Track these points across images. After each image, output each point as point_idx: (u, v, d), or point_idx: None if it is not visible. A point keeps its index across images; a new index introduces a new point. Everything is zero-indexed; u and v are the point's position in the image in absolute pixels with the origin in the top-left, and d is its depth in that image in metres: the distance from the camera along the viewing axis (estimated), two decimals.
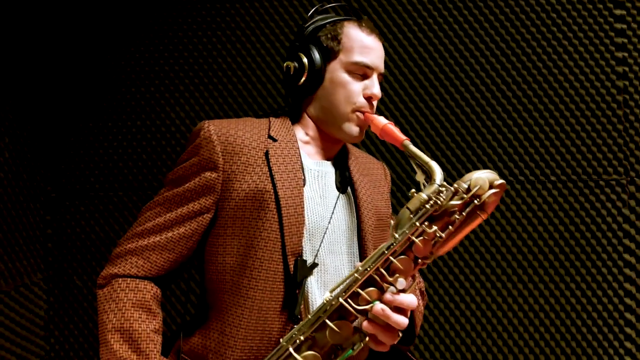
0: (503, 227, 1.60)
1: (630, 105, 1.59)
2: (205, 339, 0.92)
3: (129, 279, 0.90)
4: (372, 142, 1.66)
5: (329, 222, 0.97)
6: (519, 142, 1.61)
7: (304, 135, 1.04)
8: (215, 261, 0.93)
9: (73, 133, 1.67)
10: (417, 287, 1.06)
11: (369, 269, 0.80)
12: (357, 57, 0.98)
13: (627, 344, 1.56)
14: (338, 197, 1.00)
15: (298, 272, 0.89)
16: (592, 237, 1.58)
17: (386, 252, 0.80)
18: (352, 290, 0.79)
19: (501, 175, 1.56)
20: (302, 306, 0.91)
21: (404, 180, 1.64)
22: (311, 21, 1.03)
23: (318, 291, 0.93)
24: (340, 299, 0.79)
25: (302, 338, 0.79)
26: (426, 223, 0.80)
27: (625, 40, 1.59)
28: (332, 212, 0.98)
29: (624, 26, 1.59)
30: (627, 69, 1.59)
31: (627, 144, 1.59)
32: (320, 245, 0.95)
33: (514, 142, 1.61)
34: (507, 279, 1.59)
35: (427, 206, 0.80)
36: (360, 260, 1.00)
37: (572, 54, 1.60)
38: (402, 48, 1.64)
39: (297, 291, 0.89)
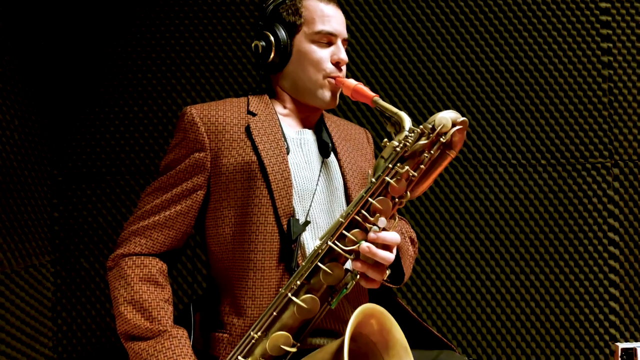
0: (496, 208, 1.68)
1: (614, 92, 1.69)
2: (219, 306, 0.99)
3: (134, 256, 0.98)
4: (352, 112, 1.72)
5: (317, 184, 1.04)
6: (510, 127, 1.69)
7: (282, 108, 1.11)
8: (216, 233, 1.00)
9: (79, 116, 1.70)
10: (404, 232, 1.13)
11: (351, 212, 0.87)
12: (320, 27, 1.04)
13: (612, 317, 1.66)
14: (322, 161, 1.08)
15: (292, 229, 0.96)
16: (580, 217, 1.67)
17: (364, 195, 0.87)
18: (338, 233, 0.86)
19: (493, 158, 1.66)
20: (299, 260, 0.97)
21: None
22: (271, 1, 1.08)
23: (312, 246, 1.00)
24: (329, 242, 0.86)
25: (298, 283, 0.86)
26: (398, 164, 0.86)
27: (610, 32, 1.69)
28: (319, 176, 1.05)
29: (609, 18, 1.69)
30: (611, 58, 1.69)
31: (612, 129, 1.69)
32: (310, 206, 1.02)
33: (506, 127, 1.69)
34: (500, 257, 1.68)
35: (397, 149, 0.87)
36: None
37: (561, 43, 1.69)
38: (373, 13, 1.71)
39: (293, 246, 0.96)
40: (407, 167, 0.86)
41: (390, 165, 0.87)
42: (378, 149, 1.64)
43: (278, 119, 1.06)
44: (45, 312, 1.63)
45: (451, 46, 1.70)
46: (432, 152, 0.86)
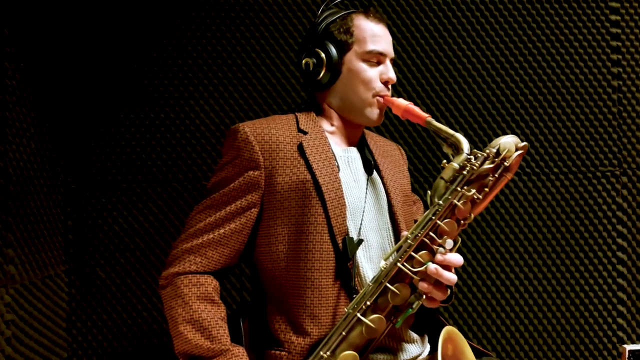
0: (511, 215, 1.72)
1: (623, 103, 1.74)
2: (272, 325, 0.99)
3: (190, 275, 0.97)
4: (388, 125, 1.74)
5: (365, 202, 1.05)
6: (525, 137, 1.73)
7: (329, 125, 1.11)
8: (269, 251, 1.00)
9: (94, 124, 1.66)
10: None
11: (419, 234, 0.89)
12: (371, 46, 1.06)
13: (620, 320, 1.72)
14: (367, 179, 1.09)
15: (348, 248, 0.97)
16: (590, 224, 1.73)
17: (433, 217, 0.89)
18: (407, 255, 0.88)
19: None
20: (355, 278, 0.98)
21: (420, 158, 1.73)
22: (322, 17, 1.09)
23: (367, 264, 1.02)
24: (398, 264, 0.88)
25: (368, 303, 0.87)
26: (465, 187, 0.89)
27: (620, 44, 1.74)
28: (366, 193, 1.06)
29: (619, 30, 1.74)
30: (620, 69, 1.74)
31: (621, 139, 1.74)
32: (361, 224, 1.03)
33: (520, 137, 1.73)
34: (514, 264, 1.72)
35: (464, 172, 0.89)
36: (394, 234, 1.09)
37: (573, 54, 1.73)
38: (406, 40, 1.72)
39: (349, 265, 0.97)
40: (473, 190, 0.88)
41: (458, 188, 0.89)
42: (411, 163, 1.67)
43: (327, 137, 1.07)
44: (60, 323, 1.60)
45: (462, 55, 1.73)
46: (496, 175, 0.89)
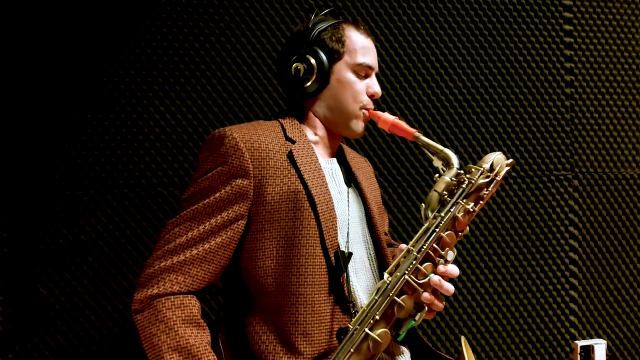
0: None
1: (575, 110, 1.82)
2: (258, 345, 0.92)
3: (172, 296, 0.87)
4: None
5: (348, 214, 1.02)
6: (485, 141, 1.76)
7: (312, 135, 1.07)
8: (255, 266, 0.93)
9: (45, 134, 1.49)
10: None
11: (424, 246, 0.87)
12: (361, 59, 1.04)
13: (572, 318, 1.81)
14: (348, 191, 1.06)
15: (342, 261, 0.94)
16: (545, 225, 1.80)
17: (437, 230, 0.88)
18: (414, 267, 0.86)
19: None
20: (346, 291, 0.95)
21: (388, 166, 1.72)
22: (314, 24, 1.05)
23: (353, 277, 0.99)
24: (406, 276, 0.86)
25: (377, 318, 0.84)
26: (464, 200, 0.90)
27: (572, 53, 1.82)
28: (348, 205, 1.03)
29: (571, 40, 1.81)
30: (573, 77, 1.82)
31: (573, 144, 1.82)
32: (348, 237, 1.00)
33: (481, 141, 1.76)
34: (474, 264, 1.75)
35: (464, 186, 0.90)
36: (374, 246, 1.08)
37: (530, 62, 1.79)
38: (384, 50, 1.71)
39: (341, 279, 0.94)
40: (471, 203, 0.90)
41: (460, 201, 0.89)
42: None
43: (313, 147, 1.02)
44: None
45: (427, 72, 1.73)
46: (490, 189, 0.91)
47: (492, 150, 1.74)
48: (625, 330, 1.84)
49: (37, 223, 1.49)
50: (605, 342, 1.80)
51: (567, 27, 1.81)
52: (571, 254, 1.81)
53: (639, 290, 1.85)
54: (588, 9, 1.82)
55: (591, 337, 1.83)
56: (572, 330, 1.81)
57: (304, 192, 0.94)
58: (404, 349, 1.05)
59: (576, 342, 1.79)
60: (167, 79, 1.59)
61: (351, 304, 0.96)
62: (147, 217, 1.57)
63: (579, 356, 1.79)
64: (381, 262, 1.08)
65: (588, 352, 1.79)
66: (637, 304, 1.85)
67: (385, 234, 1.23)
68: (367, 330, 0.84)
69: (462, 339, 0.81)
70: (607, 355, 1.79)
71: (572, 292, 1.81)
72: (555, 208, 1.81)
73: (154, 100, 1.58)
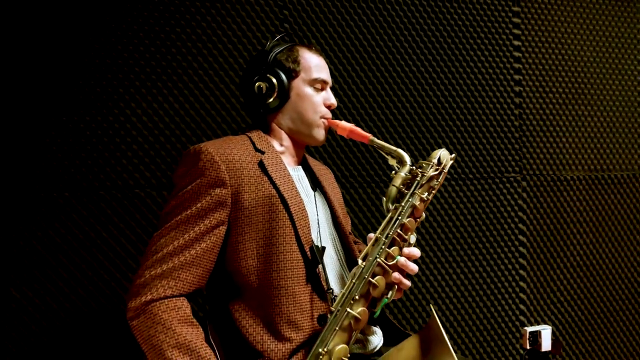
0: (426, 217, 1.89)
1: (524, 118, 2.01)
2: (247, 337, 1.00)
3: (166, 300, 0.94)
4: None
5: (317, 215, 1.14)
6: (445, 147, 1.91)
7: (278, 145, 1.19)
8: (239, 266, 1.02)
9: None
10: None
11: (390, 232, 1.00)
12: (316, 74, 1.17)
13: (521, 306, 1.99)
14: (314, 195, 1.19)
15: (317, 254, 1.05)
16: (498, 222, 1.97)
17: (399, 217, 1.01)
18: (384, 251, 0.99)
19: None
20: (323, 281, 1.06)
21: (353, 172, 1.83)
22: (271, 47, 1.18)
23: (326, 268, 1.11)
24: (378, 259, 0.98)
25: (356, 297, 0.95)
26: (419, 190, 1.04)
27: (520, 66, 2.00)
28: (316, 207, 1.16)
29: (520, 54, 2.00)
30: (521, 88, 2.01)
31: (521, 149, 2.01)
32: (319, 234, 1.12)
33: (434, 146, 1.91)
34: (431, 260, 1.90)
35: (418, 179, 1.04)
36: (341, 242, 1.20)
37: (484, 74, 1.95)
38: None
39: (317, 271, 1.05)
40: (425, 193, 1.05)
41: (416, 191, 1.03)
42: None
43: (280, 157, 1.13)
44: None
45: (381, 75, 1.86)
46: (438, 180, 1.07)
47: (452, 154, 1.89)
48: (567, 316, 2.05)
49: (17, 225, 1.49)
50: (550, 327, 2.00)
51: (516, 42, 1.99)
52: (521, 249, 1.99)
53: (580, 281, 2.06)
54: (534, 27, 2.02)
55: (538, 324, 2.01)
56: (522, 318, 1.99)
57: (277, 197, 1.03)
58: (377, 329, 1.16)
59: (525, 328, 1.98)
60: (151, 85, 1.63)
61: (331, 291, 1.07)
62: (127, 219, 1.60)
63: (527, 341, 1.97)
64: (348, 255, 1.20)
65: (536, 336, 1.97)
66: (579, 293, 2.06)
67: (350, 233, 1.34)
68: (348, 309, 0.94)
69: (432, 306, 0.93)
70: (552, 339, 1.99)
71: (521, 283, 1.99)
72: (506, 207, 1.98)
73: (135, 104, 1.61)
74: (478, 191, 1.95)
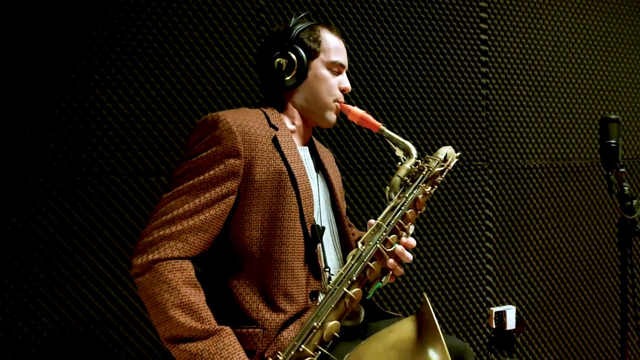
0: None
1: (490, 109, 2.11)
2: (243, 305, 1.03)
3: (172, 261, 0.96)
4: None
5: (319, 196, 1.18)
6: (416, 137, 1.99)
7: (290, 124, 1.21)
8: (243, 236, 1.05)
9: None
10: None
11: (392, 221, 1.04)
12: (335, 57, 1.19)
13: (488, 288, 2.09)
14: (317, 176, 1.21)
15: (318, 233, 1.09)
16: (466, 208, 2.06)
17: (402, 208, 1.05)
18: (384, 238, 1.03)
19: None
20: (320, 261, 1.10)
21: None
22: (294, 25, 1.19)
23: (324, 248, 1.15)
24: (378, 245, 1.02)
25: (353, 279, 1.00)
26: (423, 184, 1.08)
27: (487, 59, 2.09)
28: (318, 188, 1.19)
29: (486, 48, 2.09)
30: (488, 80, 2.10)
31: (488, 139, 2.10)
32: (320, 214, 1.16)
33: (420, 137, 1.98)
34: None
35: (424, 172, 1.08)
36: (337, 224, 1.24)
37: (452, 69, 2.04)
38: None
39: (316, 249, 1.09)
40: (429, 187, 1.08)
41: (421, 185, 1.07)
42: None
43: (291, 135, 1.15)
44: None
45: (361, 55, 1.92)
46: (442, 176, 1.11)
47: (422, 142, 1.97)
48: (531, 297, 2.16)
49: None
50: (515, 307, 2.11)
51: (483, 36, 2.08)
52: (487, 233, 2.09)
53: (542, 263, 2.18)
54: (500, 22, 2.11)
55: (504, 304, 2.12)
56: (488, 299, 2.09)
57: (287, 173, 1.06)
58: (360, 307, 1.21)
59: (491, 308, 2.08)
60: (127, 72, 1.64)
61: (328, 270, 1.11)
62: (104, 205, 1.61)
63: (493, 320, 2.07)
64: (342, 238, 1.24)
65: (501, 316, 2.08)
66: (542, 275, 2.17)
67: (345, 217, 1.38)
68: (345, 289, 0.99)
69: (424, 295, 0.97)
70: (516, 318, 2.10)
71: (487, 266, 2.09)
72: (473, 193, 2.08)
73: (111, 90, 1.62)
74: (447, 178, 2.04)
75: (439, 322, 1.99)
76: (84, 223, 1.59)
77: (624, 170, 1.49)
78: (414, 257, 1.98)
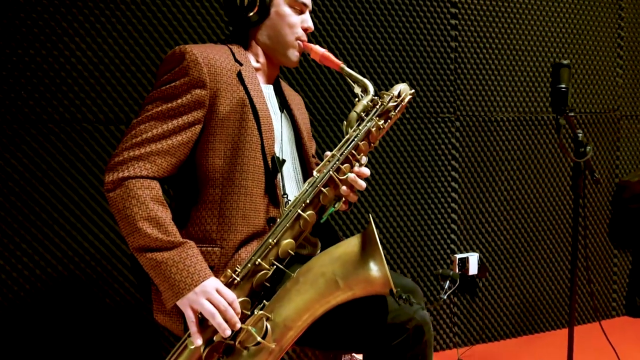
0: (371, 152, 2.03)
1: (459, 61, 2.15)
2: (204, 226, 1.11)
3: (141, 179, 1.03)
4: None
5: (281, 132, 1.24)
6: (388, 83, 2.04)
7: (254, 61, 1.25)
8: (206, 163, 1.11)
9: None
10: None
11: (345, 151, 1.11)
12: None
13: (453, 236, 2.18)
14: (281, 115, 1.27)
15: (277, 165, 1.16)
16: (432, 159, 2.13)
17: (355, 139, 1.12)
18: (336, 167, 1.10)
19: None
20: (278, 190, 1.17)
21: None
22: None
23: (284, 180, 1.22)
24: (331, 172, 1.09)
25: (307, 202, 1.07)
26: (376, 118, 1.15)
27: (456, 11, 2.12)
28: (281, 125, 1.25)
29: (456, 10, 2.11)
30: (457, 33, 2.13)
31: (456, 91, 2.15)
32: (281, 148, 1.22)
33: (384, 81, 2.03)
34: (371, 190, 2.05)
35: (377, 107, 1.15)
36: (300, 162, 1.30)
37: (421, 20, 2.06)
38: None
39: (275, 181, 1.16)
40: (382, 121, 1.14)
41: (374, 118, 1.14)
42: None
43: (255, 71, 1.20)
44: None
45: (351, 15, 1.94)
46: (396, 111, 1.17)
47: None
48: (493, 244, 2.26)
49: None
50: (478, 254, 2.21)
51: (453, 10, 2.10)
52: (453, 184, 2.17)
53: (506, 212, 2.27)
54: None
55: (467, 251, 2.22)
56: (452, 246, 2.19)
57: (249, 107, 1.12)
58: (314, 238, 1.29)
59: (455, 255, 2.18)
60: (94, 20, 1.66)
61: (285, 196, 1.17)
62: (77, 152, 1.67)
63: (457, 266, 2.17)
64: (306, 176, 1.30)
65: (464, 262, 2.18)
66: (504, 224, 2.27)
67: (313, 157, 1.42)
68: (299, 211, 1.06)
69: (370, 215, 1.04)
70: (478, 264, 2.20)
71: (452, 215, 2.18)
72: (440, 145, 2.14)
73: (79, 38, 1.65)
74: (414, 130, 2.10)
75: (405, 267, 2.09)
76: (58, 168, 1.65)
77: (572, 114, 1.54)
78: (380, 204, 2.06)
